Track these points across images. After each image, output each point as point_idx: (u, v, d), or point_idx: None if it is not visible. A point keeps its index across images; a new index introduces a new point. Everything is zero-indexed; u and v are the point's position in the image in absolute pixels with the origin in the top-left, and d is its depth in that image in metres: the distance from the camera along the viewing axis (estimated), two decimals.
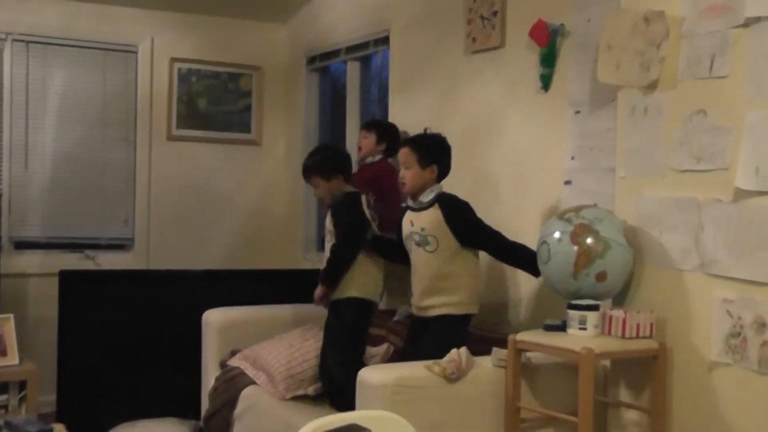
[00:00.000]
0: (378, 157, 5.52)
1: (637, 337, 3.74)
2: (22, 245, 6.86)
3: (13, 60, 6.74)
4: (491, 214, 4.91)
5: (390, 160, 5.51)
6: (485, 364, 4.02)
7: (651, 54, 3.92)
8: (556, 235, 3.89)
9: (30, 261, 6.82)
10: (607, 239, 3.81)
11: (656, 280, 3.90)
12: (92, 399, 5.96)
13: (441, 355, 3.98)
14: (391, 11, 6.07)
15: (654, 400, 3.84)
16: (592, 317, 3.75)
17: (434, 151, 4.44)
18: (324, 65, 7.19)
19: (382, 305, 5.15)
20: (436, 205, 4.36)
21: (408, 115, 5.71)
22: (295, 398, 4.88)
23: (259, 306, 5.77)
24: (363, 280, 4.81)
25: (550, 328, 3.90)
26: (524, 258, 4.31)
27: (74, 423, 5.39)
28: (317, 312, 5.66)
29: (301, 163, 7.16)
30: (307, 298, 5.56)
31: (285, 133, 7.63)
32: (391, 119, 5.94)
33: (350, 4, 6.62)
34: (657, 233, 3.89)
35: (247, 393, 5.04)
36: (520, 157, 4.82)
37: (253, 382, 5.06)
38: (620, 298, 4.02)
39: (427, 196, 4.39)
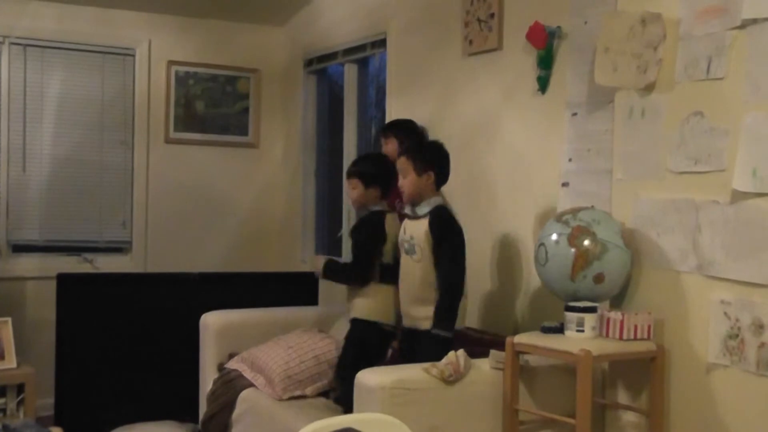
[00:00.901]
0: None
1: (635, 338, 3.75)
2: (19, 248, 6.86)
3: (11, 63, 6.74)
4: (488, 217, 4.95)
5: None
6: (483, 366, 4.02)
7: (648, 56, 3.92)
8: (554, 237, 3.89)
9: (28, 264, 6.83)
10: (604, 241, 3.81)
11: (654, 282, 3.90)
12: (90, 402, 5.96)
13: None
14: (389, 14, 6.07)
15: (652, 402, 3.84)
16: (589, 319, 3.76)
17: (430, 158, 4.42)
18: (321, 68, 7.19)
19: None
20: (428, 217, 4.35)
21: (406, 117, 5.70)
22: (294, 400, 4.88)
23: (257, 309, 5.76)
24: (370, 303, 4.76)
25: (547, 330, 3.91)
26: (443, 311, 4.27)
27: (72, 426, 5.42)
28: (315, 314, 5.70)
29: (298, 165, 7.26)
30: (305, 301, 5.59)
31: (283, 135, 7.63)
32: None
33: (347, 7, 6.62)
34: (654, 235, 3.89)
35: (245, 395, 5.03)
36: (518, 159, 4.82)
37: (252, 385, 5.05)
38: (618, 300, 4.02)
39: (423, 209, 4.38)
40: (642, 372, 3.90)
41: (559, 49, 4.55)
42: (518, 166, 4.82)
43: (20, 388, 5.56)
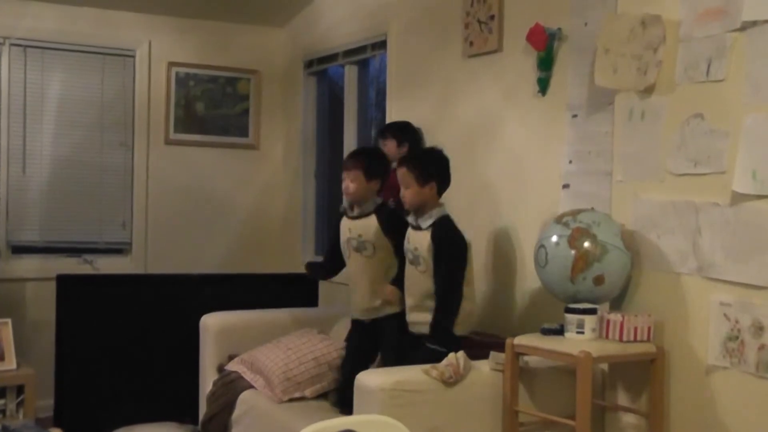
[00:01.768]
0: None
1: (635, 340, 3.75)
2: (19, 249, 6.85)
3: (11, 64, 6.74)
4: (489, 219, 4.94)
5: None
6: (483, 367, 4.03)
7: (648, 58, 3.92)
8: (554, 239, 3.89)
9: (28, 265, 6.82)
10: (604, 243, 3.81)
11: (654, 284, 3.90)
12: (90, 403, 5.95)
13: None
14: (389, 15, 6.07)
15: (652, 404, 3.85)
16: (589, 321, 3.76)
17: (431, 168, 4.41)
18: (322, 69, 7.19)
19: None
20: (431, 229, 4.34)
21: (406, 118, 5.70)
22: (293, 401, 4.88)
23: (257, 310, 5.75)
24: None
25: (547, 331, 3.91)
26: (438, 323, 4.29)
27: (72, 427, 5.42)
28: (315, 315, 5.70)
29: (298, 166, 7.26)
30: (306, 302, 5.59)
31: (283, 136, 7.63)
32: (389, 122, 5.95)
33: (348, 8, 6.62)
34: (654, 237, 3.90)
35: (244, 397, 5.03)
36: (518, 161, 4.82)
37: (251, 386, 5.05)
38: (618, 302, 4.02)
39: (426, 221, 4.37)
40: (642, 374, 3.90)
41: (560, 50, 4.56)
42: (519, 168, 4.82)
43: (20, 389, 5.55)
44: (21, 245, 6.86)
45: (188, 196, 7.30)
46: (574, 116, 4.43)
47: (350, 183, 4.73)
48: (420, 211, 4.40)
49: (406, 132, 5.44)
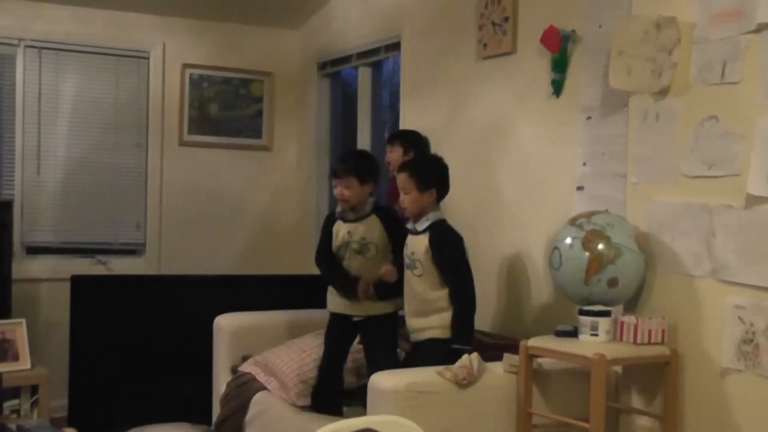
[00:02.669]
0: None
1: (649, 343, 3.74)
2: (34, 250, 6.88)
3: (26, 66, 6.77)
4: (502, 221, 4.94)
5: None
6: (497, 369, 4.02)
7: (662, 60, 3.91)
8: (568, 241, 3.89)
9: (42, 266, 6.85)
10: (618, 245, 3.80)
11: (668, 286, 3.89)
12: (104, 403, 5.98)
13: None
14: (402, 17, 6.07)
15: (666, 406, 3.84)
16: (603, 323, 3.75)
17: (431, 175, 4.40)
18: (335, 71, 7.20)
19: None
20: (428, 234, 4.33)
21: (419, 120, 5.71)
22: (304, 399, 4.88)
23: (271, 311, 5.76)
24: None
25: (561, 333, 3.90)
26: (458, 323, 4.27)
27: (86, 427, 5.42)
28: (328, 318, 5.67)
29: (312, 168, 7.26)
30: (319, 304, 5.56)
31: (296, 138, 7.64)
32: (402, 125, 5.95)
33: (361, 10, 6.63)
34: (669, 239, 3.89)
35: (258, 398, 5.04)
36: (532, 163, 4.82)
37: (265, 388, 5.06)
38: (632, 304, 4.01)
39: (422, 224, 4.36)
40: (656, 376, 3.89)
41: (574, 52, 4.55)
42: (532, 170, 4.81)
43: (34, 389, 5.57)
44: (35, 246, 6.89)
45: (202, 197, 7.31)
46: (588, 118, 4.43)
47: (344, 190, 4.67)
48: (417, 216, 4.40)
49: (413, 140, 5.43)
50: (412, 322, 4.44)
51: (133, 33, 7.09)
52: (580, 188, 4.46)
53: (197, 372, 5.84)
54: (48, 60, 6.84)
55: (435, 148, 5.09)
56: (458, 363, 3.88)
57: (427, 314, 4.34)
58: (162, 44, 7.18)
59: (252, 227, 7.52)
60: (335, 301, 4.85)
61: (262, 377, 5.14)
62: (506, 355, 4.03)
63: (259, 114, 7.58)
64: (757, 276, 3.48)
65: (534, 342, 3.92)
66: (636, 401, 4.07)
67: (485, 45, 5.19)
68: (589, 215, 3.95)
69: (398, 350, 4.83)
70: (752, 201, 3.51)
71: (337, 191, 4.71)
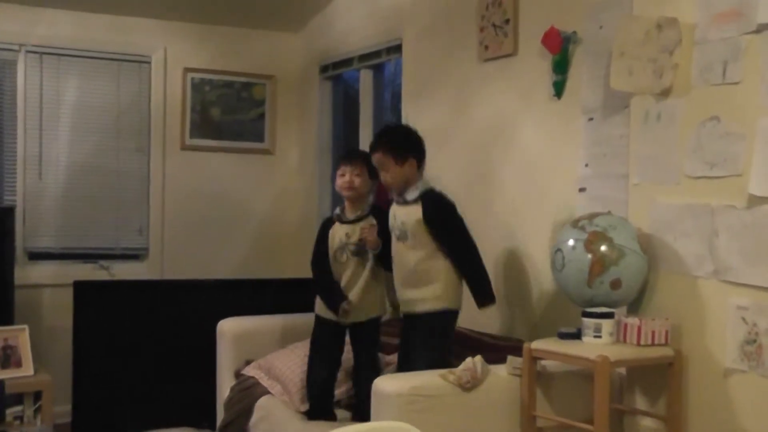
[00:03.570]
0: None
1: (653, 344, 3.73)
2: (36, 256, 6.88)
3: (27, 71, 6.77)
4: (505, 222, 4.93)
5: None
6: (500, 372, 4.01)
7: (664, 60, 3.91)
8: (570, 242, 3.88)
9: (44, 271, 6.85)
10: (621, 247, 3.80)
11: (671, 287, 3.88)
12: (107, 409, 5.99)
13: (431, 354, 4.15)
14: (404, 19, 6.07)
15: (670, 408, 3.83)
16: (607, 325, 3.74)
17: (405, 145, 4.41)
18: (337, 73, 7.19)
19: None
20: (420, 203, 4.33)
21: (421, 122, 5.67)
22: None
23: (274, 315, 5.77)
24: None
25: (564, 336, 3.89)
26: (477, 283, 4.35)
27: None
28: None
29: (314, 171, 7.26)
30: None
31: (298, 141, 7.64)
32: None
33: (362, 13, 6.63)
34: (671, 240, 3.88)
35: (261, 403, 5.03)
36: (534, 164, 4.81)
37: (268, 392, 5.05)
38: (635, 305, 4.01)
39: (412, 194, 4.36)
40: (660, 377, 3.88)
41: (575, 53, 4.54)
42: (534, 171, 4.81)
43: (37, 396, 5.58)
44: (38, 251, 6.89)
45: (204, 201, 7.31)
46: (590, 119, 4.42)
47: (355, 177, 4.69)
48: (403, 187, 4.40)
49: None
50: (404, 294, 4.44)
51: (135, 37, 7.09)
52: (582, 189, 4.45)
53: (201, 377, 5.86)
54: (49, 65, 6.84)
55: (437, 150, 5.09)
56: (462, 366, 3.87)
57: (419, 285, 4.36)
58: (163, 48, 7.18)
59: (255, 230, 7.52)
60: (322, 307, 4.87)
61: (265, 381, 5.14)
62: (510, 358, 4.02)
63: (261, 117, 7.57)
64: (759, 276, 3.47)
65: (537, 344, 3.90)
66: (640, 402, 4.06)
67: (486, 47, 5.19)
68: (592, 217, 3.94)
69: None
70: (754, 201, 3.50)
71: (346, 178, 4.69)
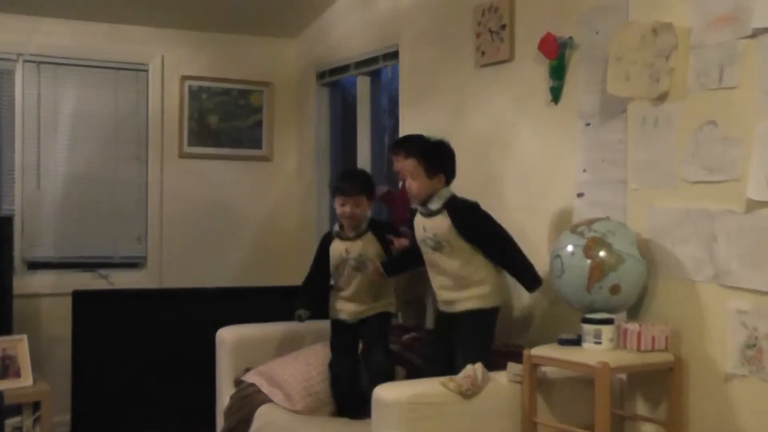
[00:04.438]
0: None
1: (653, 349, 3.73)
2: (34, 265, 6.86)
3: (25, 80, 6.76)
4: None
5: None
6: (501, 379, 4.01)
7: (660, 65, 3.91)
8: (569, 248, 3.88)
9: (43, 281, 6.83)
10: (620, 252, 3.80)
11: (670, 292, 3.88)
12: (107, 419, 5.98)
13: (472, 351, 4.16)
14: (400, 26, 6.07)
15: (671, 413, 3.83)
16: (607, 331, 3.74)
17: (440, 160, 4.47)
18: (334, 80, 7.19)
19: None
20: (445, 212, 4.38)
21: (419, 128, 5.66)
22: (312, 415, 4.88)
23: (273, 323, 5.75)
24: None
25: (564, 342, 3.89)
26: (521, 272, 4.43)
27: None
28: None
29: (312, 177, 7.26)
30: (321, 314, 5.57)
31: (296, 148, 7.63)
32: (402, 133, 5.92)
33: (359, 19, 6.62)
34: (670, 245, 3.88)
35: (262, 411, 5.02)
36: (532, 170, 4.82)
37: (269, 400, 5.05)
38: (634, 310, 4.01)
39: (435, 204, 4.41)
40: (660, 383, 3.88)
41: (571, 59, 4.55)
42: (532, 177, 4.81)
43: (36, 406, 5.57)
44: (36, 261, 6.86)
45: (203, 209, 7.30)
46: (587, 125, 4.42)
47: (355, 209, 4.84)
48: (426, 200, 4.46)
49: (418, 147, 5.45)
50: (446, 295, 4.50)
51: (132, 46, 7.08)
52: (580, 195, 4.46)
53: (200, 385, 5.84)
54: (47, 74, 6.83)
55: None
56: (462, 373, 3.87)
57: (464, 287, 4.42)
58: (161, 56, 7.17)
59: (253, 237, 7.51)
60: (334, 309, 5.07)
61: (266, 388, 5.13)
62: (510, 364, 4.02)
63: (259, 124, 7.57)
64: (759, 281, 3.47)
65: (537, 351, 3.90)
66: (641, 408, 4.06)
67: (483, 53, 5.19)
68: (590, 222, 3.94)
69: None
70: (753, 206, 3.50)
71: (346, 209, 4.83)
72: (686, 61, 3.83)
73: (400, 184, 4.84)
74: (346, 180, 4.95)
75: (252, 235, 7.51)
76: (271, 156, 7.60)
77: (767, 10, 3.47)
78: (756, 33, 3.52)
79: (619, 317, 3.88)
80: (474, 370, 3.88)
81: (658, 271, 3.94)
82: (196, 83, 7.32)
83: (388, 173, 6.51)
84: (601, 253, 3.80)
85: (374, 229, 4.89)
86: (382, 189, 5.57)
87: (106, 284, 6.94)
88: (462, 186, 4.89)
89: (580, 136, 4.47)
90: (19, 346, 5.71)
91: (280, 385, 5.05)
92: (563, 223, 4.44)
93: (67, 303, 6.06)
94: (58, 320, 6.46)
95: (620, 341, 3.78)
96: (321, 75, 7.24)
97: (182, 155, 7.26)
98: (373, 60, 6.51)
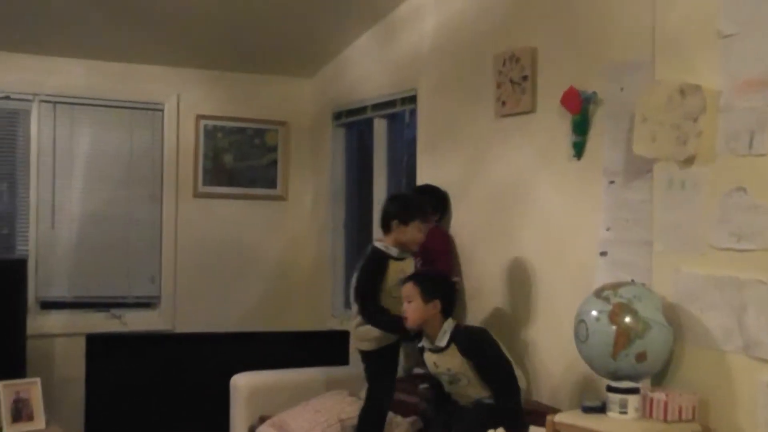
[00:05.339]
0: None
1: (680, 420, 3.65)
2: (48, 305, 6.85)
3: (41, 121, 6.77)
4: (523, 284, 4.87)
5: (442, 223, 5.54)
6: None
7: (687, 127, 3.84)
8: (594, 313, 3.81)
9: (56, 321, 6.83)
10: (646, 319, 3.73)
11: (697, 360, 3.80)
12: None
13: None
14: (419, 70, 6.03)
15: None
16: (633, 400, 3.68)
17: (437, 287, 4.48)
18: (350, 121, 7.15)
19: None
20: (454, 346, 4.39)
21: (436, 176, 5.67)
22: None
23: (288, 369, 5.76)
24: None
25: (588, 410, 3.82)
26: (501, 395, 4.38)
27: None
28: (348, 375, 5.64)
29: (327, 218, 7.23)
30: (337, 359, 5.54)
31: (311, 188, 7.60)
32: (419, 180, 5.89)
33: (377, 61, 6.59)
34: (697, 311, 3.80)
35: None
36: (553, 225, 4.76)
37: None
38: (660, 377, 3.92)
39: (442, 339, 4.42)
40: None
41: (595, 114, 4.50)
42: (553, 232, 4.76)
43: None
44: (50, 301, 6.85)
45: (217, 248, 7.28)
46: (611, 182, 4.37)
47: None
48: (429, 331, 4.46)
49: (436, 199, 5.47)
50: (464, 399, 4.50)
51: (147, 85, 7.07)
52: (603, 253, 4.40)
53: (215, 431, 5.80)
54: (62, 114, 6.84)
55: (453, 205, 5.06)
56: None
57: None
58: (176, 95, 7.16)
59: (268, 279, 7.47)
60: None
61: None
62: (533, 429, 3.96)
63: (274, 164, 7.54)
64: None
65: (561, 418, 3.83)
66: None
67: (504, 103, 5.14)
68: (615, 287, 3.86)
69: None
70: None
71: (419, 235, 4.72)
72: (715, 124, 3.76)
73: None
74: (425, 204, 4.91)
75: (266, 275, 7.47)
76: (286, 195, 7.57)
77: None
78: None
79: (644, 384, 3.82)
80: None
81: (685, 337, 3.85)
82: (211, 122, 7.30)
83: None
84: (627, 320, 3.73)
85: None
86: None
87: (120, 324, 6.91)
88: (479, 238, 4.88)
89: (604, 193, 4.41)
90: (32, 389, 5.67)
91: None
92: (585, 281, 4.36)
93: (81, 343, 6.07)
94: (72, 360, 6.44)
95: (646, 411, 3.71)
96: (337, 115, 7.21)
97: (197, 194, 7.24)
98: (390, 103, 6.47)
